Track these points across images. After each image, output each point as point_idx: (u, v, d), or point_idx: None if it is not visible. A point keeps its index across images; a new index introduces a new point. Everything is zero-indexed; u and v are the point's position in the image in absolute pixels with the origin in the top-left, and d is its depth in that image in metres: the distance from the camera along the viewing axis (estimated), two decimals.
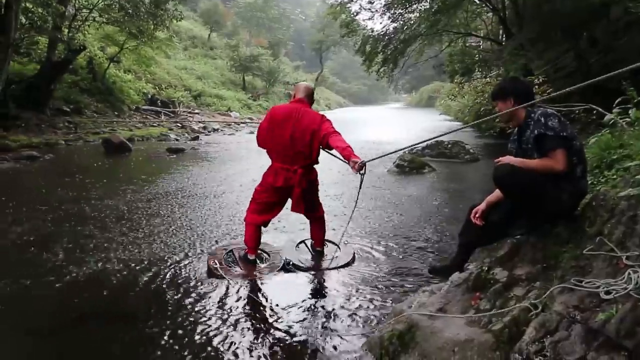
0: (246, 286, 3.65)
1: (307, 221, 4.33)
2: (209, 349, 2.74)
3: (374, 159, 4.05)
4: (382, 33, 19.33)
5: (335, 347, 2.75)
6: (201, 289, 3.60)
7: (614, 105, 3.97)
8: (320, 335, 2.91)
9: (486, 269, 2.76)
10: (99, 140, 12.74)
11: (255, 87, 37.10)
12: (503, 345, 2.10)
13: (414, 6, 18.49)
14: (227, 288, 3.60)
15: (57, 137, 12.72)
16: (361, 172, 3.47)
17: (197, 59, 34.52)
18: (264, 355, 2.68)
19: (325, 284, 3.83)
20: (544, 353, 1.93)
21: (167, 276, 3.83)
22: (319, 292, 3.68)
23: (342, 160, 3.69)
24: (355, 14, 20.10)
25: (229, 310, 3.23)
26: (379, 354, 2.52)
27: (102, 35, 18.53)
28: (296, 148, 3.74)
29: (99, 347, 2.80)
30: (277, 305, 3.36)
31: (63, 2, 13.68)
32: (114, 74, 19.83)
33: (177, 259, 4.24)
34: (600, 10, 9.72)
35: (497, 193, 2.94)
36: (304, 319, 3.15)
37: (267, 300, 3.45)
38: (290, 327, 3.04)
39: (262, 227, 4.08)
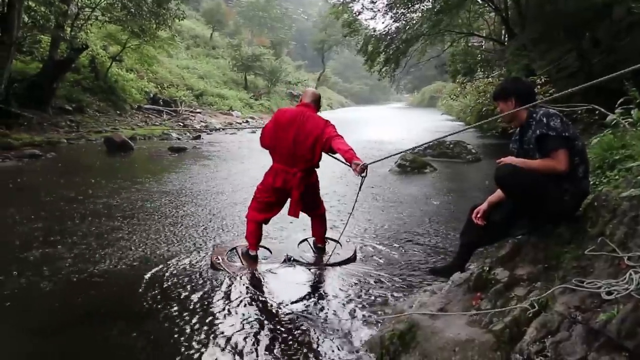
0: (248, 282, 3.68)
1: (309, 218, 4.37)
2: (211, 345, 2.75)
3: (376, 162, 4.09)
4: (384, 33, 19.29)
5: (335, 346, 2.75)
6: (204, 285, 3.62)
7: (616, 106, 3.97)
8: (320, 334, 2.92)
9: (487, 269, 2.76)
10: (101, 139, 12.76)
11: (257, 86, 37.11)
12: (504, 346, 2.10)
13: (416, 6, 18.46)
14: (230, 284, 3.63)
15: (59, 136, 12.76)
16: (362, 174, 3.53)
17: (199, 58, 34.55)
18: (264, 352, 2.69)
19: (325, 281, 3.85)
20: (544, 353, 1.93)
21: (171, 273, 3.86)
22: (319, 290, 3.69)
23: (344, 163, 3.72)
24: (357, 13, 20.09)
25: (230, 307, 3.26)
26: (379, 354, 2.52)
27: (105, 34, 18.57)
28: (298, 151, 3.79)
29: (103, 345, 2.81)
30: (278, 302, 3.37)
31: (66, 0, 13.74)
32: (116, 72, 19.88)
33: (181, 256, 4.28)
34: (603, 11, 9.70)
35: (498, 193, 2.94)
36: (304, 317, 3.16)
37: (267, 297, 3.46)
38: (289, 325, 3.05)
39: (264, 224, 4.13)
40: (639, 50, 8.28)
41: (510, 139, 3.13)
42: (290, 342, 2.82)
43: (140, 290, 3.54)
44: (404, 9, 18.53)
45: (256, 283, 3.69)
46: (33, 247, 4.39)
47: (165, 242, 4.67)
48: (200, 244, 4.64)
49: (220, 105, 27.06)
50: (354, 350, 2.69)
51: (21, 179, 7.84)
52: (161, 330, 2.94)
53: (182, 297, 3.43)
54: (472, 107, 21.04)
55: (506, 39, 17.10)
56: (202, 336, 2.86)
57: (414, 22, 18.52)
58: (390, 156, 4.61)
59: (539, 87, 9.49)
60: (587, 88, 2.65)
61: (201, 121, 20.86)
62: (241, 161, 10.69)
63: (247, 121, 24.65)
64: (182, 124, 18.96)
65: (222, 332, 2.91)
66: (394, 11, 18.67)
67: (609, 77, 2.26)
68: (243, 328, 2.97)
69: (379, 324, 2.94)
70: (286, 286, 3.70)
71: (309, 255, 4.31)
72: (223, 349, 2.72)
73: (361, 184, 3.74)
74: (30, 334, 2.92)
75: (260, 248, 4.23)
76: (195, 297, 3.42)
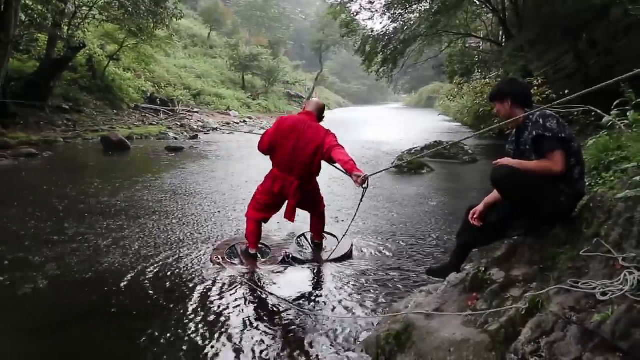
0: (247, 280, 3.71)
1: (307, 214, 4.43)
2: (209, 342, 2.77)
3: (377, 173, 4.15)
4: (382, 33, 19.30)
5: (331, 346, 2.76)
6: (204, 283, 3.65)
7: (612, 107, 3.98)
8: (317, 333, 2.92)
9: (483, 269, 2.76)
10: (98, 138, 12.74)
11: (255, 86, 37.08)
12: (499, 346, 2.10)
13: (414, 7, 18.46)
14: (229, 283, 3.66)
15: (55, 135, 12.72)
16: (364, 185, 3.55)
17: (196, 58, 34.48)
18: (260, 350, 2.70)
19: (322, 280, 3.88)
20: (539, 353, 1.93)
21: (171, 272, 3.89)
22: (316, 288, 3.72)
23: (344, 172, 3.76)
24: (355, 13, 20.06)
25: (229, 306, 3.28)
26: (375, 354, 2.53)
27: (102, 33, 18.52)
28: (297, 158, 3.84)
29: (102, 345, 2.81)
30: (275, 301, 3.39)
31: None
32: (113, 72, 19.82)
33: (181, 254, 4.30)
34: (600, 12, 9.73)
35: (494, 194, 2.94)
36: (301, 316, 3.17)
37: (265, 296, 3.49)
38: (286, 324, 3.07)
39: (263, 223, 4.20)
40: (635, 52, 8.32)
41: (507, 139, 3.13)
42: (287, 341, 2.83)
43: (139, 289, 3.55)
44: (402, 10, 18.53)
45: (255, 282, 3.72)
46: (30, 246, 4.38)
47: (164, 241, 4.68)
48: (200, 243, 4.66)
49: (217, 105, 27.04)
50: (350, 350, 2.69)
51: (17, 178, 7.82)
52: (161, 328, 2.94)
53: (182, 295, 3.45)
54: (470, 108, 21.10)
55: (503, 40, 17.14)
56: (202, 334, 2.87)
57: (412, 22, 18.53)
58: (392, 167, 4.65)
59: (536, 88, 9.51)
60: (583, 89, 2.65)
61: (199, 121, 20.82)
62: (239, 161, 10.69)
63: (244, 121, 24.63)
64: (179, 124, 18.92)
65: (222, 330, 2.93)
66: (392, 12, 18.67)
67: (614, 81, 2.25)
68: (241, 326, 2.98)
69: (375, 324, 2.94)
70: (284, 285, 3.72)
71: (307, 251, 4.38)
72: (222, 346, 2.74)
73: (363, 195, 3.76)
74: (29, 333, 2.91)
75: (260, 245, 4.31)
76: (195, 295, 3.44)
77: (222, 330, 2.93)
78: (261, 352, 2.69)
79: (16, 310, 3.24)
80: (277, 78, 38.47)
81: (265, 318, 3.14)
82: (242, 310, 3.23)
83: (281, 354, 2.69)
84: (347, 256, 4.28)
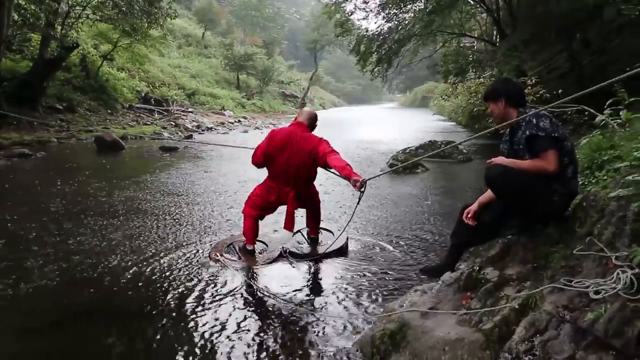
0: (245, 277, 3.77)
1: (304, 211, 4.49)
2: (204, 341, 2.77)
3: (375, 177, 4.18)
4: (376, 33, 19.30)
5: (326, 345, 2.76)
6: (201, 282, 3.67)
7: (605, 107, 3.99)
8: (311, 332, 2.94)
9: (477, 268, 2.77)
10: (92, 138, 12.66)
11: (250, 86, 37.04)
12: (493, 345, 2.11)
13: (409, 6, 18.49)
14: (225, 281, 3.69)
15: (49, 135, 12.65)
16: (362, 189, 3.60)
17: (191, 58, 34.41)
18: (256, 349, 2.71)
19: (319, 278, 3.94)
20: (533, 352, 1.94)
21: (170, 269, 3.92)
22: (312, 286, 3.75)
23: (341, 177, 3.81)
24: (349, 13, 20.08)
25: (227, 302, 3.32)
26: (370, 353, 2.53)
27: (96, 32, 18.45)
28: (292, 172, 3.94)
29: (99, 343, 2.80)
30: (272, 298, 3.43)
31: None
32: (107, 71, 19.74)
33: (180, 252, 4.34)
34: (594, 12, 9.77)
35: (488, 193, 2.95)
36: (296, 314, 3.19)
37: (263, 291, 3.55)
38: (282, 321, 3.09)
39: (259, 220, 4.28)
40: (628, 52, 8.35)
41: (501, 139, 3.14)
42: (282, 340, 2.84)
43: (136, 288, 3.55)
44: (396, 10, 18.55)
45: (253, 278, 3.78)
46: (25, 247, 4.36)
47: (162, 240, 4.69)
48: (196, 242, 4.67)
49: (212, 105, 26.98)
50: (345, 349, 2.70)
51: (11, 178, 7.77)
52: (158, 327, 2.95)
53: (181, 292, 3.49)
54: (464, 108, 21.15)
55: (497, 39, 17.18)
56: (198, 332, 2.89)
57: (406, 22, 18.54)
58: (389, 171, 4.69)
59: (529, 87, 9.54)
60: (578, 90, 2.66)
61: (194, 120, 20.75)
62: (234, 161, 10.66)
63: (239, 121, 24.58)
64: (173, 124, 18.85)
65: (217, 329, 2.94)
66: (386, 11, 18.69)
67: (613, 81, 2.25)
68: (236, 325, 3.00)
69: (370, 323, 2.95)
70: (281, 282, 3.77)
71: (303, 246, 4.47)
72: (218, 345, 2.75)
73: (360, 198, 3.80)
74: (26, 333, 2.91)
75: (257, 242, 4.37)
76: (191, 294, 3.45)
77: (218, 328, 2.94)
78: (257, 350, 2.70)
79: (12, 310, 3.22)
80: (272, 78, 38.46)
81: (261, 316, 3.15)
82: (238, 309, 3.24)
83: (276, 353, 2.69)
84: (343, 250, 4.38)
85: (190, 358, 2.62)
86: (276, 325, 3.03)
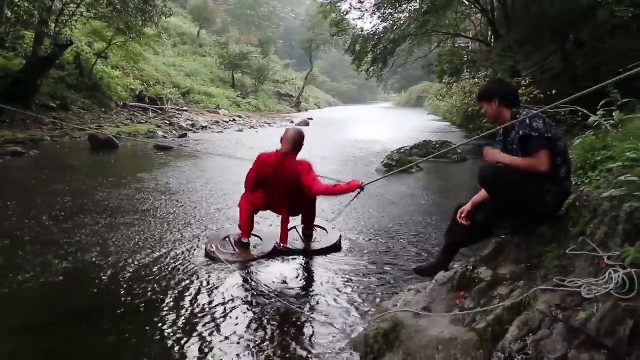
0: (239, 269, 3.86)
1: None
2: (199, 339, 2.78)
3: (373, 182, 4.23)
4: (371, 33, 19.34)
5: (319, 344, 2.76)
6: (195, 280, 3.68)
7: (599, 108, 4.02)
8: (305, 330, 2.94)
9: (471, 268, 2.78)
10: (86, 136, 12.57)
11: (245, 85, 36.97)
12: (486, 344, 2.12)
13: (404, 6, 18.52)
14: (219, 278, 3.72)
15: (42, 133, 12.57)
16: (361, 190, 3.71)
17: (186, 56, 34.28)
18: (248, 346, 2.73)
19: (312, 275, 3.96)
20: (526, 351, 1.95)
21: (166, 263, 3.99)
22: (306, 286, 3.74)
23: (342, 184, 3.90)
24: (345, 13, 20.10)
25: (218, 302, 3.31)
26: (363, 352, 2.54)
27: (90, 30, 18.34)
28: (285, 198, 4.14)
29: (93, 342, 2.79)
30: (266, 296, 3.44)
31: None
32: (101, 70, 19.63)
33: (171, 251, 4.33)
34: (587, 13, 9.83)
35: (482, 193, 2.97)
36: (290, 312, 3.20)
37: (257, 286, 3.60)
38: (275, 320, 3.09)
39: (254, 214, 4.41)
40: (622, 53, 8.40)
41: (495, 139, 3.16)
42: (275, 338, 2.84)
43: (131, 286, 3.53)
44: (392, 9, 18.58)
45: (247, 275, 3.81)
46: (18, 245, 4.33)
47: (155, 238, 4.68)
48: (191, 239, 4.68)
49: (207, 104, 26.91)
50: (338, 349, 2.70)
51: (3, 176, 7.72)
52: (153, 325, 2.95)
53: (177, 286, 3.53)
54: (459, 108, 21.21)
55: (492, 40, 17.24)
56: (197, 329, 2.90)
57: (402, 22, 18.58)
58: (389, 175, 4.72)
59: (523, 88, 9.58)
60: (571, 90, 2.68)
61: (188, 119, 20.68)
62: (228, 159, 10.63)
63: (234, 120, 24.51)
64: (168, 122, 18.78)
65: (211, 326, 2.95)
66: (382, 11, 18.72)
67: (609, 82, 2.26)
68: (229, 323, 3.00)
69: (364, 323, 2.95)
70: (275, 280, 3.77)
71: (298, 242, 4.51)
72: (211, 343, 2.75)
73: (354, 198, 3.85)
74: (21, 332, 2.89)
75: (251, 236, 4.45)
76: (185, 292, 3.46)
77: (213, 327, 2.94)
78: (249, 349, 2.70)
79: (9, 308, 3.21)
80: (267, 77, 38.42)
81: (254, 314, 3.15)
82: (231, 307, 3.23)
83: (269, 351, 2.69)
84: (337, 246, 4.46)
85: (188, 356, 2.62)
86: (269, 323, 3.02)
